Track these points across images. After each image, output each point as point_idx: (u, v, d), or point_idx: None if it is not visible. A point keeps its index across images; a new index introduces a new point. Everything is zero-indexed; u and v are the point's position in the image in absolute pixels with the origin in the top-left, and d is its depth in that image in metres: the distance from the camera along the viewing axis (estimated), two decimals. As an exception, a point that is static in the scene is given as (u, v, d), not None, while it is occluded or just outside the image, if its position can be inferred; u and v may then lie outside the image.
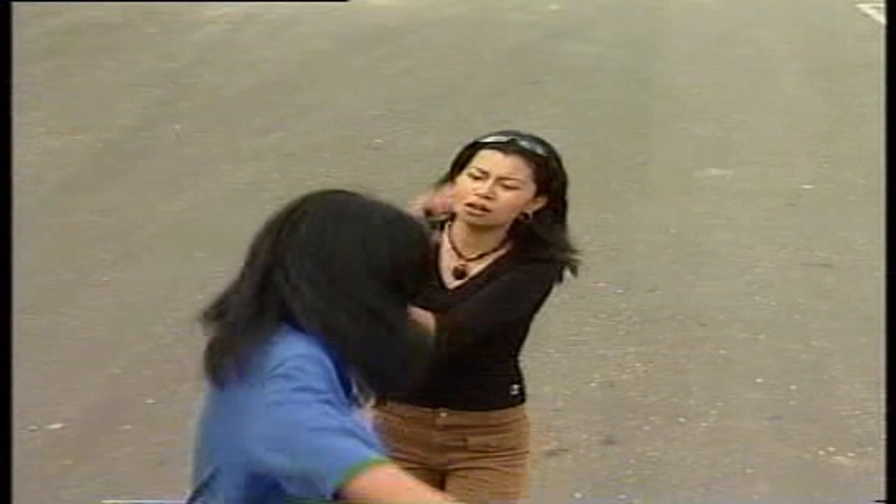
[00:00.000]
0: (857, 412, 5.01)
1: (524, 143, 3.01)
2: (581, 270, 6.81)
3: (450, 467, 3.17)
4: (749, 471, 4.60)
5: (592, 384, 5.27)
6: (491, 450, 3.15)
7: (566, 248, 3.08)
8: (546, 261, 3.06)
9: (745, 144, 8.99)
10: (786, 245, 6.96)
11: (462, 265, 3.10)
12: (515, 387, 3.16)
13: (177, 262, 6.71)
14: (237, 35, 12.91)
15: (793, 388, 5.22)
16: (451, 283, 3.09)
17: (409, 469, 3.00)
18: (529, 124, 9.22)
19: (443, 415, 3.12)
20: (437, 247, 3.08)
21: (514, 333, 3.14)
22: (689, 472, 4.60)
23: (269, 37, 12.87)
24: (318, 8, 14.18)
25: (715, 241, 7.04)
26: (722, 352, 5.59)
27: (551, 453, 4.70)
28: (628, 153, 8.78)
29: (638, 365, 5.45)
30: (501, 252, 3.09)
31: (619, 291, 6.26)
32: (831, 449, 4.73)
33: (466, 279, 3.09)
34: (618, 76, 11.18)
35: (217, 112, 9.80)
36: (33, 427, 4.82)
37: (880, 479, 4.49)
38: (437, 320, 2.91)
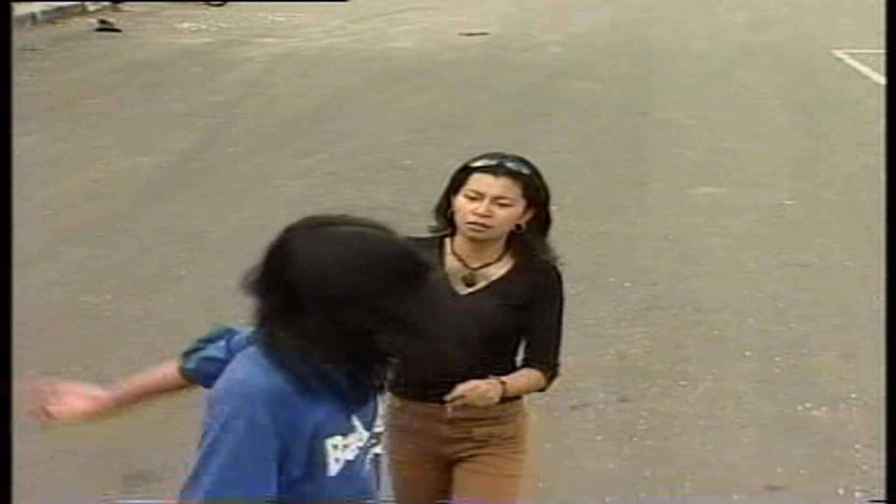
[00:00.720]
0: (831, 377, 5.69)
1: (511, 165, 3.22)
2: (594, 268, 7.51)
3: (456, 457, 3.34)
4: (739, 421, 5.27)
5: (608, 356, 5.94)
6: (493, 439, 3.31)
7: (551, 252, 3.31)
8: (545, 269, 3.30)
9: (733, 167, 9.68)
10: (770, 249, 7.63)
11: (470, 274, 3.27)
12: None
13: (242, 259, 7.20)
14: (272, 73, 13.66)
15: (776, 359, 5.90)
16: (463, 289, 3.25)
17: (421, 461, 3.35)
18: (540, 149, 10.06)
19: (450, 409, 3.24)
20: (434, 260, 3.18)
21: (516, 338, 3.33)
22: (690, 423, 5.26)
23: (301, 74, 13.61)
24: (349, 44, 14.97)
25: (708, 246, 7.73)
26: (715, 332, 6.27)
27: (574, 408, 5.36)
28: (629, 174, 9.48)
29: (645, 342, 6.12)
30: (507, 267, 3.28)
31: (627, 285, 6.93)
32: (808, 405, 5.39)
33: (477, 288, 3.27)
34: (618, 109, 11.89)
35: (264, 138, 10.51)
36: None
37: (850, 428, 5.22)
38: (546, 374, 3.29)
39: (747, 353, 5.96)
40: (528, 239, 3.27)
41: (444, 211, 3.28)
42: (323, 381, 2.24)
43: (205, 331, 2.81)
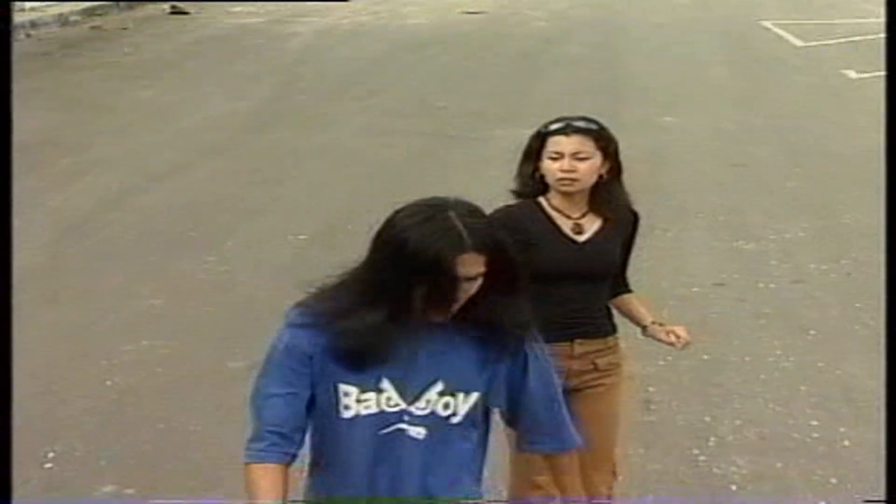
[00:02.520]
0: (757, 227, 7.32)
1: (579, 125, 3.22)
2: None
3: (582, 386, 3.27)
4: (695, 251, 6.94)
5: (603, 219, 7.62)
6: (612, 367, 3.32)
7: (628, 195, 3.39)
8: (630, 211, 3.38)
9: (687, 104, 11.31)
10: (717, 156, 9.27)
11: (577, 224, 3.25)
12: (611, 314, 3.39)
13: (330, 167, 8.99)
14: (319, 43, 15.20)
15: (720, 218, 7.55)
16: (579, 237, 3.25)
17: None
18: (538, 94, 11.73)
19: (578, 344, 3.26)
20: (542, 218, 3.26)
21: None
22: (664, 254, 6.83)
23: (342, 44, 15.14)
24: (374, 21, 16.51)
25: (672, 153, 9.37)
26: (677, 203, 7.88)
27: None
28: (608, 109, 10.88)
29: (629, 210, 7.79)
30: (602, 214, 3.27)
31: (613, 178, 8.59)
32: (741, 242, 7.07)
33: (590, 234, 3.26)
34: (596, 66, 13.48)
35: (324, 89, 12.09)
36: (290, 236, 7.13)
37: (769, 254, 6.91)
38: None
39: (700, 215, 7.65)
40: (611, 188, 3.30)
41: (533, 174, 3.27)
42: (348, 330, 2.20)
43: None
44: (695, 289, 6.33)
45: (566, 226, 3.25)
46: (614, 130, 10.76)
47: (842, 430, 4.65)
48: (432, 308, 2.18)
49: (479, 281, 2.19)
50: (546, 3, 19.40)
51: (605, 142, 3.24)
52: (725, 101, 11.54)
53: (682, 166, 9.00)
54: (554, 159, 3.18)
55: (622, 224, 3.34)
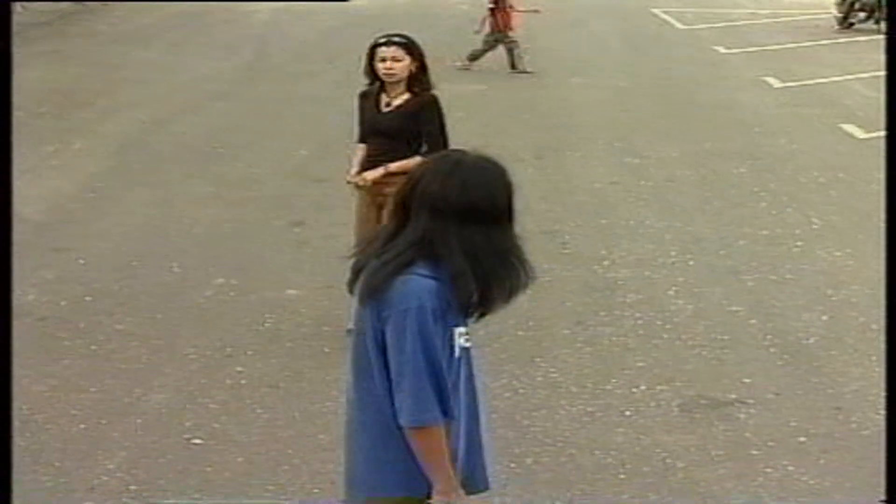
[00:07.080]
0: (650, 140, 9.55)
1: (395, 39, 4.82)
2: (515, 111, 11.28)
3: (381, 201, 4.71)
4: (596, 164, 9.12)
5: (528, 147, 9.70)
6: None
7: (431, 84, 4.87)
8: (425, 94, 4.81)
9: (591, 69, 13.48)
10: (613, 104, 11.44)
11: (388, 101, 4.89)
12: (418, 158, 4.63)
13: (313, 109, 10.88)
14: (279, 19, 17.09)
15: (616, 144, 9.73)
16: (385, 109, 4.89)
17: (367, 205, 4.96)
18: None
19: (380, 170, 4.84)
20: (374, 96, 4.92)
21: (410, 138, 4.82)
22: (574, 163, 9.08)
23: (298, 21, 17.03)
24: (322, 5, 18.42)
25: (581, 103, 11.51)
26: (585, 134, 10.03)
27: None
28: (530, 74, 13.24)
29: (547, 137, 9.87)
30: (407, 97, 4.83)
31: (532, 118, 10.70)
32: (637, 160, 9.26)
33: (392, 108, 4.87)
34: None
35: (292, 53, 14.02)
36: (293, 152, 9.07)
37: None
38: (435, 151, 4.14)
39: (600, 141, 9.78)
40: (418, 79, 4.84)
41: (371, 72, 4.91)
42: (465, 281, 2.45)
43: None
44: (597, 185, 8.43)
45: (383, 102, 4.90)
46: (537, 89, 13.40)
47: (689, 256, 6.82)
48: None
49: None
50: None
51: (411, 48, 4.83)
52: (620, 67, 13.77)
53: (588, 110, 11.18)
54: (381, 61, 4.84)
55: (423, 103, 4.81)
